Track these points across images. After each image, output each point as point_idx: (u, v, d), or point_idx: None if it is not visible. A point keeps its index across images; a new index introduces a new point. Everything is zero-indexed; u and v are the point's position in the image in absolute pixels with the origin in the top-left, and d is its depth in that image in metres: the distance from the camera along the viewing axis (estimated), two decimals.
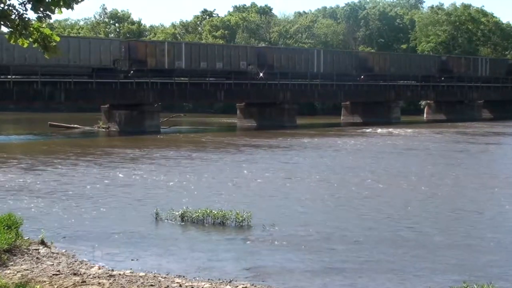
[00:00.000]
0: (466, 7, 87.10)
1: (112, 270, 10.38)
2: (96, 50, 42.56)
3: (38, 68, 39.58)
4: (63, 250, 11.65)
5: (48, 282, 9.37)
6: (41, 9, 8.08)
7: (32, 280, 9.37)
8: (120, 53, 44.16)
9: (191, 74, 47.34)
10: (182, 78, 47.36)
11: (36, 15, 8.22)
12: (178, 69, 46.71)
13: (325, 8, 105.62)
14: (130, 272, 10.27)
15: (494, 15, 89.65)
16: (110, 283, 9.52)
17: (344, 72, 56.34)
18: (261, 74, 50.50)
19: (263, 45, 75.34)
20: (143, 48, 45.75)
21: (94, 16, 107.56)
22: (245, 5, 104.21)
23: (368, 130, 46.55)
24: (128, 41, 49.45)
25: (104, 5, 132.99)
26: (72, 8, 8.32)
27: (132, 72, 44.87)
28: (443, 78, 64.98)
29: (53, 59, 39.11)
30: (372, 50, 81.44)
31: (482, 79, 67.49)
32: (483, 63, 68.68)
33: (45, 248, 11.53)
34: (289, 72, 52.55)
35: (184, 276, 10.24)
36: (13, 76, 39.08)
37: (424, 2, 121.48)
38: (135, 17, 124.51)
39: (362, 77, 58.32)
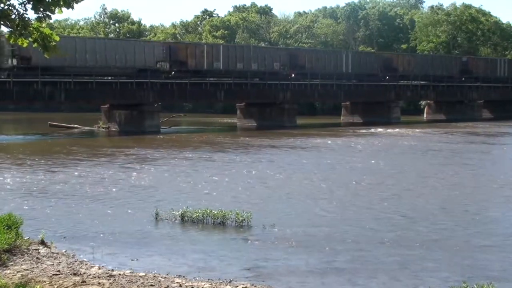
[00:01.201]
0: (466, 7, 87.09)
1: (112, 270, 10.37)
2: (141, 52, 45.00)
3: (89, 69, 42.21)
4: (63, 250, 11.65)
5: (48, 282, 9.36)
6: (41, 9, 8.07)
7: (32, 280, 9.37)
8: (162, 55, 46.34)
9: (228, 75, 49.41)
10: (223, 79, 49.50)
11: (36, 15, 8.22)
12: (216, 70, 48.93)
13: (325, 8, 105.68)
14: (130, 272, 10.27)
15: (493, 15, 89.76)
16: (110, 283, 9.52)
17: (370, 72, 58.35)
18: (292, 75, 52.60)
19: (263, 44, 75.35)
20: (184, 50, 48.08)
21: (94, 16, 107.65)
22: (245, 5, 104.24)
23: (370, 130, 46.55)
24: (169, 43, 51.95)
25: (104, 5, 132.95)
26: (72, 8, 8.32)
27: (173, 72, 47.09)
28: (463, 79, 66.20)
29: (101, 60, 42.78)
30: (372, 50, 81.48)
31: (502, 80, 68.57)
32: (501, 64, 69.79)
33: (45, 248, 11.53)
34: (319, 73, 54.51)
35: (184, 276, 10.24)
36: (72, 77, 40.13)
37: (424, 2, 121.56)
38: (135, 17, 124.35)
39: (387, 77, 59.91)
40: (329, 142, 37.24)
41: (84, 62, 42.05)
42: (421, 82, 62.17)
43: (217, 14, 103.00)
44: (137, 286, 9.44)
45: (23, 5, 8.19)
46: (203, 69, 48.06)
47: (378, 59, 61.04)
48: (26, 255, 10.86)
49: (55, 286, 9.22)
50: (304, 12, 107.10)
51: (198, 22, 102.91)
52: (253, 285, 9.92)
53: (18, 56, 39.81)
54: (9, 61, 40.13)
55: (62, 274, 9.92)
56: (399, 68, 60.79)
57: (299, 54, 55.55)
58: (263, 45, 75.64)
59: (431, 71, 62.76)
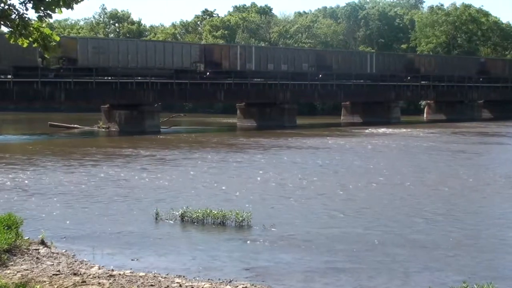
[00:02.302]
0: (466, 7, 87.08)
1: (112, 270, 10.37)
2: (178, 53, 46.59)
3: (130, 70, 44.14)
4: (63, 250, 11.65)
5: (48, 282, 9.36)
6: (42, 8, 8.08)
7: (32, 280, 9.37)
8: (198, 56, 47.94)
9: (259, 76, 50.98)
10: (255, 79, 51.01)
11: (36, 15, 8.22)
12: (249, 70, 50.26)
13: (325, 8, 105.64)
14: (130, 272, 10.27)
15: (493, 15, 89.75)
16: (110, 283, 9.52)
17: (394, 73, 59.64)
18: (320, 75, 54.01)
19: (263, 44, 75.35)
20: (219, 51, 49.91)
21: (94, 16, 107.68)
22: (245, 5, 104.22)
23: (370, 130, 46.56)
24: (204, 45, 53.87)
25: (103, 5, 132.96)
26: (72, 8, 8.32)
27: (208, 73, 48.48)
28: (481, 79, 67.23)
29: (142, 62, 44.42)
30: (372, 50, 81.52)
31: None
32: None
33: (45, 248, 11.52)
34: (345, 73, 56.02)
35: (184, 276, 10.24)
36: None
37: (424, 2, 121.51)
38: (135, 17, 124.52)
39: (409, 78, 61.00)
40: (329, 142, 37.24)
41: (126, 63, 43.87)
42: (441, 83, 63.59)
43: (217, 14, 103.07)
44: (137, 286, 9.44)
45: (23, 4, 8.19)
46: (237, 70, 49.53)
47: (401, 60, 62.81)
48: (26, 255, 10.86)
49: (55, 286, 9.22)
50: (304, 12, 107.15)
51: (198, 22, 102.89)
52: (253, 285, 9.92)
53: (65, 57, 41.48)
54: (57, 62, 41.89)
55: (62, 274, 9.92)
56: (420, 69, 62.23)
57: (326, 55, 57.19)
58: (263, 45, 75.59)
59: (450, 71, 64.00)
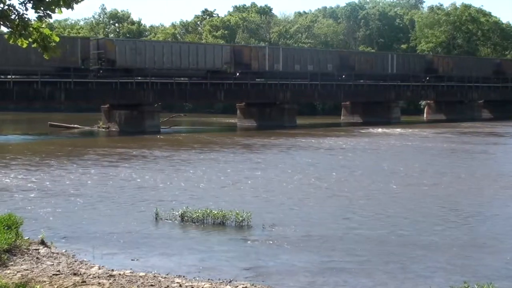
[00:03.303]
0: (466, 7, 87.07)
1: (112, 270, 10.37)
2: (210, 54, 48.05)
3: (166, 71, 45.77)
4: (63, 250, 11.64)
5: (48, 282, 9.36)
6: (42, 8, 8.07)
7: (32, 280, 9.37)
8: (229, 57, 49.48)
9: (287, 76, 52.21)
10: (282, 80, 52.05)
11: (36, 15, 8.22)
12: (276, 71, 51.76)
13: (325, 8, 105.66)
14: (130, 272, 10.26)
15: (493, 15, 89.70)
16: (110, 283, 9.52)
17: (413, 73, 61.36)
18: (343, 76, 55.98)
19: (263, 44, 75.34)
20: (248, 53, 51.29)
21: (94, 16, 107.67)
22: (245, 5, 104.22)
23: (369, 130, 46.57)
24: (234, 46, 55.24)
25: (103, 5, 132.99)
26: (72, 8, 8.32)
27: (238, 74, 50.03)
28: (495, 79, 68.77)
29: (177, 62, 45.91)
30: (373, 50, 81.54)
31: None
32: None
33: (45, 248, 11.52)
34: (367, 74, 58.02)
35: (184, 276, 10.24)
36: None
37: (424, 2, 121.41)
38: (135, 17, 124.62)
39: (427, 78, 62.57)
40: (330, 142, 37.25)
41: (161, 64, 45.40)
42: (460, 83, 64.80)
43: (217, 14, 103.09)
44: (137, 286, 9.44)
45: (23, 4, 8.19)
46: (265, 70, 51.13)
47: (421, 60, 64.14)
48: (26, 255, 10.86)
49: (55, 286, 9.22)
50: (304, 12, 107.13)
51: (198, 22, 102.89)
52: (253, 285, 9.92)
53: (104, 58, 43.52)
54: (96, 63, 43.93)
55: (62, 274, 9.92)
56: (439, 69, 63.79)
57: (349, 56, 58.61)
58: (262, 44, 75.57)
59: (467, 72, 65.32)
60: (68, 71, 41.00)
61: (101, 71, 43.68)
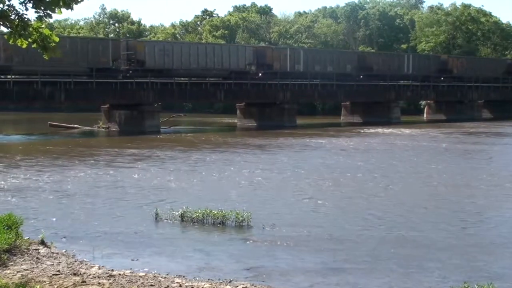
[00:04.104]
0: (466, 7, 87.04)
1: (112, 270, 10.37)
2: (234, 55, 49.45)
3: (192, 71, 47.25)
4: (63, 250, 11.64)
5: (48, 282, 9.36)
6: (42, 8, 8.07)
7: (32, 280, 9.37)
8: (252, 58, 50.70)
9: (307, 76, 53.63)
10: (300, 80, 53.45)
11: (36, 15, 8.21)
12: (297, 71, 53.13)
13: (325, 8, 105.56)
14: (130, 272, 10.26)
15: (493, 15, 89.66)
16: (110, 283, 9.52)
17: (428, 74, 62.63)
18: (361, 76, 57.40)
19: (263, 44, 75.37)
20: (270, 54, 52.63)
21: (94, 16, 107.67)
22: (245, 5, 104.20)
23: (370, 130, 46.57)
24: (256, 47, 56.47)
25: (103, 5, 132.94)
26: (72, 8, 8.31)
27: (260, 74, 51.09)
28: (507, 79, 69.98)
29: (202, 63, 47.09)
30: (372, 50, 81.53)
31: None
32: None
33: (45, 248, 11.52)
34: (384, 74, 58.95)
35: (184, 276, 10.24)
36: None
37: (424, 2, 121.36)
38: (135, 17, 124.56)
39: (442, 78, 63.85)
40: (330, 142, 37.24)
41: (188, 65, 46.55)
42: (475, 84, 65.89)
43: (217, 14, 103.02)
44: (137, 286, 9.44)
45: (23, 4, 8.19)
46: (286, 71, 52.33)
47: (436, 61, 65.14)
48: (26, 255, 10.86)
49: (55, 286, 9.22)
50: (304, 12, 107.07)
51: (198, 22, 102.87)
52: (253, 285, 9.92)
53: (134, 59, 44.90)
54: (125, 64, 45.08)
55: (62, 274, 9.92)
56: (453, 70, 64.86)
57: (367, 57, 60.07)
58: (262, 44, 75.62)
59: (479, 72, 66.59)
60: (99, 71, 42.28)
61: (130, 72, 44.78)
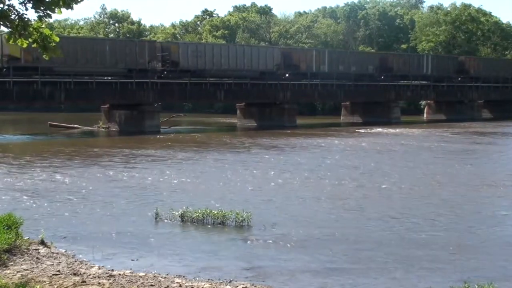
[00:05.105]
0: (466, 7, 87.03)
1: (112, 270, 10.37)
2: (263, 56, 51.25)
3: (224, 72, 48.74)
4: (63, 250, 11.64)
5: (48, 282, 9.36)
6: (42, 8, 8.07)
7: (32, 280, 9.37)
8: (279, 59, 52.27)
9: (332, 77, 55.13)
10: (326, 80, 54.99)
11: (36, 14, 8.22)
12: (322, 72, 54.74)
13: (325, 8, 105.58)
14: (130, 272, 10.26)
15: (493, 14, 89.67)
16: (110, 283, 9.52)
17: (446, 74, 64.21)
18: (382, 77, 58.93)
19: (263, 44, 75.47)
20: (297, 55, 54.80)
21: (94, 16, 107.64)
22: (245, 5, 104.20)
23: (371, 130, 46.57)
24: (283, 49, 58.60)
25: (103, 5, 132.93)
26: (72, 8, 8.32)
27: (287, 75, 52.50)
28: None
29: (233, 64, 48.64)
30: (372, 50, 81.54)
31: None
32: None
33: (45, 248, 11.52)
34: (406, 75, 60.92)
35: (184, 276, 10.24)
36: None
37: (424, 2, 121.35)
38: (135, 17, 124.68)
39: (459, 78, 65.16)
40: (330, 142, 37.24)
41: (219, 65, 48.27)
42: (490, 84, 67.49)
43: (217, 14, 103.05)
44: (137, 286, 9.44)
45: (23, 4, 8.19)
46: (312, 71, 54.06)
47: (454, 62, 66.52)
48: (26, 255, 10.86)
49: (55, 286, 9.22)
50: (304, 12, 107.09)
51: (198, 22, 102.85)
52: (253, 285, 9.92)
53: (168, 60, 46.28)
54: (160, 65, 46.54)
55: (62, 274, 9.92)
56: (470, 70, 66.25)
57: (388, 58, 61.46)
58: (262, 44, 75.65)
59: (495, 72, 68.27)
60: (137, 72, 43.98)
61: (165, 72, 46.22)
